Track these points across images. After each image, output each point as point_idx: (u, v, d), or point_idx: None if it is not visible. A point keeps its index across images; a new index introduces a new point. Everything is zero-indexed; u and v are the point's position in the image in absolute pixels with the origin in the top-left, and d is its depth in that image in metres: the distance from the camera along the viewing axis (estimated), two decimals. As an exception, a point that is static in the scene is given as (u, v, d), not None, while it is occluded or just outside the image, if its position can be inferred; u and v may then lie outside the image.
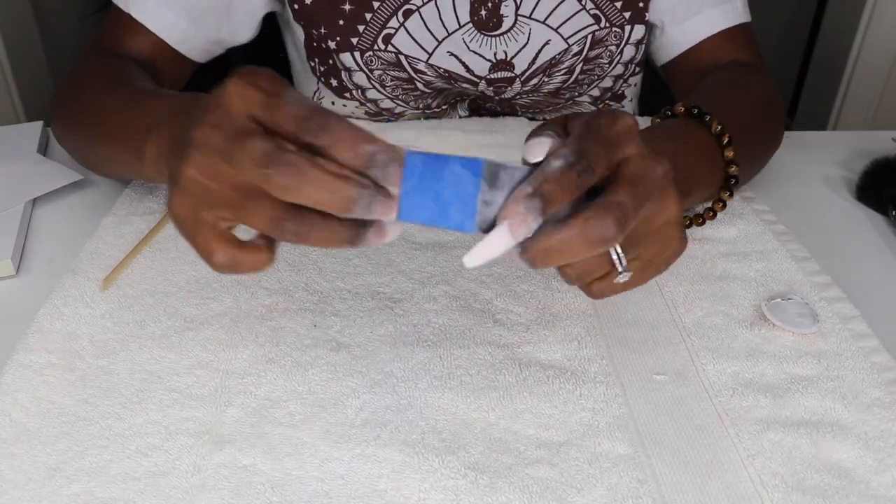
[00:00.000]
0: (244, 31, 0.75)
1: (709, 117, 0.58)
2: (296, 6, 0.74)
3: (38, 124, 0.77)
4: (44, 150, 0.75)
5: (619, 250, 0.40)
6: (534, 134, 0.40)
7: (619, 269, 0.40)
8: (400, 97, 0.80)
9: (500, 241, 0.36)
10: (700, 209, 0.61)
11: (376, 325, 0.53)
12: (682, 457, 0.44)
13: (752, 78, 0.72)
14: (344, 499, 0.41)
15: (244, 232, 0.37)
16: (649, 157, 0.39)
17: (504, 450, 0.44)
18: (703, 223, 0.61)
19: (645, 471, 0.43)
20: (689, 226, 0.61)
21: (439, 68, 0.76)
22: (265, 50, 0.86)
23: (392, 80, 0.77)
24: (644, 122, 0.80)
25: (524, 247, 0.37)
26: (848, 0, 1.54)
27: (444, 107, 0.82)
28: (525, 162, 0.39)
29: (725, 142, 0.57)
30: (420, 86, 0.78)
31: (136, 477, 0.42)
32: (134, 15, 0.69)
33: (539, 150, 0.38)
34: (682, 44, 0.76)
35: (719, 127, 0.57)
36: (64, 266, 0.58)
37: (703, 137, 0.58)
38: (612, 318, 0.54)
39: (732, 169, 0.58)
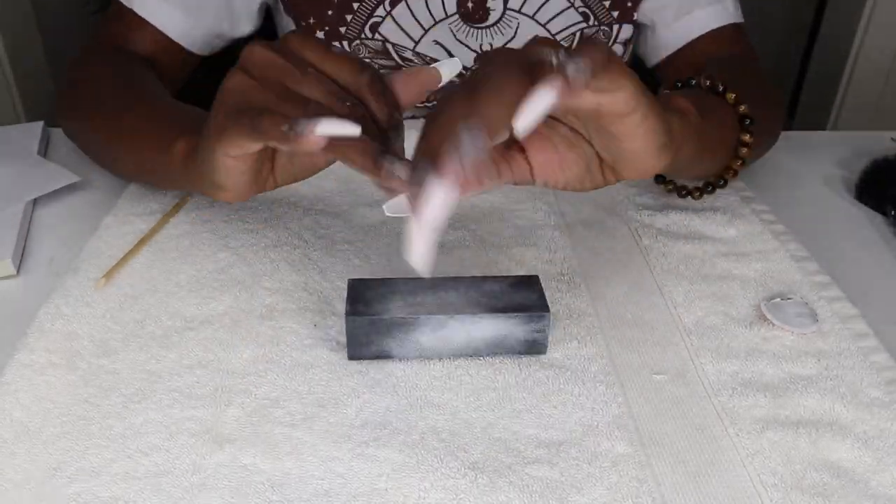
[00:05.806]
0: (244, 23, 0.76)
1: (723, 87, 0.59)
2: None
3: (39, 124, 0.77)
4: (44, 150, 0.75)
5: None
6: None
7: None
8: None
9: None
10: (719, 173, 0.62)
11: (376, 324, 0.53)
12: (681, 456, 0.44)
13: (747, 66, 0.73)
14: (344, 498, 0.41)
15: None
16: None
17: (504, 449, 0.44)
18: (724, 185, 0.62)
19: (644, 470, 0.43)
20: (711, 191, 0.63)
21: (426, 56, 0.77)
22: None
23: (380, 69, 0.78)
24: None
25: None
26: (848, 0, 1.54)
27: (433, 100, 0.83)
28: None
29: (742, 110, 0.59)
30: None
31: (136, 476, 0.42)
32: (136, 10, 0.70)
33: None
34: (673, 44, 0.77)
35: (733, 95, 0.59)
36: (64, 266, 0.58)
37: (720, 102, 0.59)
38: (612, 317, 0.54)
39: (746, 137, 0.60)
